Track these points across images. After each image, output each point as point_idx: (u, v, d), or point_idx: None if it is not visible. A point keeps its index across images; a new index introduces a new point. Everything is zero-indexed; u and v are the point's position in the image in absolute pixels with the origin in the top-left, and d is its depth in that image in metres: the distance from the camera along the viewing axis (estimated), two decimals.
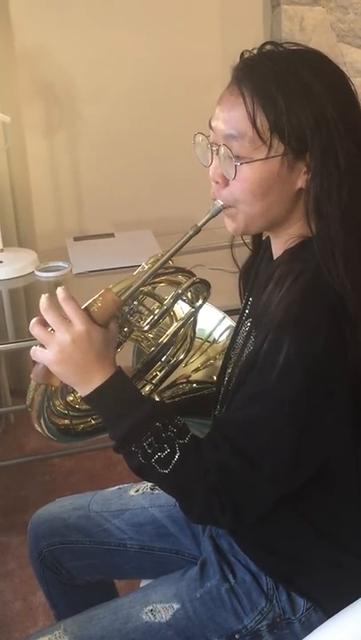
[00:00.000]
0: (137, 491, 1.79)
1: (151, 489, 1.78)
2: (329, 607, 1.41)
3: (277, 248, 1.42)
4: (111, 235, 3.10)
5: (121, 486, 1.84)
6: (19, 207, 3.18)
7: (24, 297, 2.71)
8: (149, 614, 1.49)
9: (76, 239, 3.06)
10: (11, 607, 2.53)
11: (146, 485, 1.80)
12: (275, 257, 1.44)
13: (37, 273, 2.71)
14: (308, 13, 3.10)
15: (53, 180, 3.31)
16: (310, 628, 1.39)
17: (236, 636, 1.47)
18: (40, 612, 2.48)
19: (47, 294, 1.34)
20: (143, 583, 1.75)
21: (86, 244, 3.03)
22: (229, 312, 1.69)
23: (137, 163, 3.32)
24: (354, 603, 1.31)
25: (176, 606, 1.49)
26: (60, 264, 2.74)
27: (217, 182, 1.35)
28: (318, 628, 1.34)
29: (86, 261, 2.78)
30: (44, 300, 1.33)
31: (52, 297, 1.34)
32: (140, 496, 1.77)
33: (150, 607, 1.50)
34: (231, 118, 1.30)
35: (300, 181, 1.31)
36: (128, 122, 3.26)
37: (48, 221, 3.32)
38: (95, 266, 2.74)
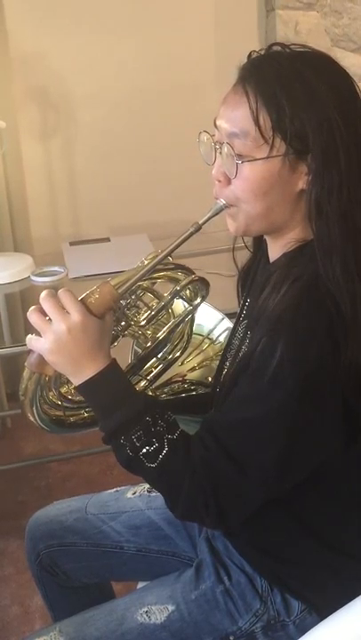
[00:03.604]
0: (134, 493, 1.80)
1: (148, 491, 1.78)
2: (324, 609, 1.41)
3: (275, 251, 1.42)
4: (107, 239, 3.10)
5: (118, 489, 1.84)
6: (14, 212, 3.19)
7: (20, 302, 2.71)
8: (144, 616, 1.49)
9: (71, 244, 3.06)
10: (8, 612, 2.52)
11: (143, 488, 1.80)
12: (272, 260, 1.44)
13: (33, 278, 2.71)
14: (303, 18, 3.11)
15: (49, 185, 3.32)
16: (305, 630, 1.39)
17: (231, 638, 1.47)
18: (37, 616, 2.48)
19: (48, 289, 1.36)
20: (140, 585, 1.75)
21: (82, 248, 3.03)
22: (226, 315, 1.69)
23: (132, 167, 3.33)
24: (348, 604, 1.31)
25: (171, 608, 1.49)
26: (56, 269, 2.74)
27: (219, 181, 1.36)
28: (312, 630, 1.34)
29: (82, 266, 2.79)
30: (44, 291, 1.34)
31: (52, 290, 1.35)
32: (136, 498, 1.78)
33: (145, 609, 1.50)
34: (235, 117, 1.31)
35: (302, 183, 1.31)
36: (123, 126, 3.26)
37: (44, 226, 3.32)
38: (91, 270, 2.74)
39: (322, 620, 1.38)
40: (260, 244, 1.55)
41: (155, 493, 1.75)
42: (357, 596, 1.33)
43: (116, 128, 3.27)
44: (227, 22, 3.28)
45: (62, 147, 3.28)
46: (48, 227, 3.35)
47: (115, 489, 1.84)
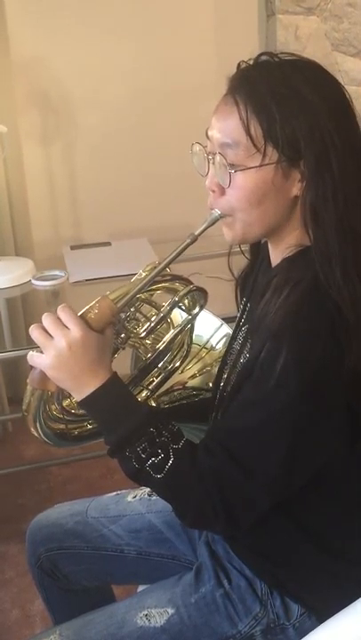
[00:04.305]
0: (134, 497, 1.80)
1: (148, 495, 1.79)
2: (323, 613, 1.41)
3: (276, 256, 1.43)
4: (107, 243, 3.11)
5: (119, 492, 1.84)
6: (15, 216, 3.19)
7: (21, 305, 2.72)
8: (144, 619, 1.49)
9: (72, 248, 3.07)
10: (8, 615, 2.53)
11: (143, 491, 1.80)
12: (273, 264, 1.44)
13: (34, 281, 2.72)
14: (303, 23, 3.11)
15: (50, 189, 3.32)
16: (304, 634, 1.39)
17: None
18: (38, 620, 2.49)
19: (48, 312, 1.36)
20: (140, 588, 1.75)
21: (83, 252, 3.04)
22: (226, 320, 1.69)
23: (133, 171, 3.33)
24: (346, 608, 1.32)
25: (171, 611, 1.50)
26: (57, 273, 2.75)
27: (213, 191, 1.36)
28: (311, 633, 1.34)
29: (83, 270, 2.80)
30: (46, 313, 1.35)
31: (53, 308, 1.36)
32: (137, 502, 1.78)
33: (145, 612, 1.50)
34: (226, 127, 1.32)
35: (296, 189, 1.32)
36: (124, 130, 3.27)
37: (45, 230, 3.32)
38: (92, 274, 2.75)
39: (321, 623, 1.38)
40: (257, 249, 1.56)
41: (155, 497, 1.75)
42: (356, 599, 1.33)
43: (116, 132, 3.27)
44: (227, 27, 3.29)
45: (63, 151, 3.28)
46: (49, 231, 3.35)
47: (115, 492, 1.85)
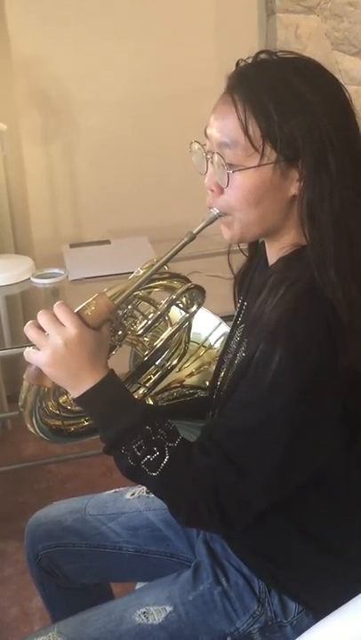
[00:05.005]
0: (133, 494, 1.80)
1: (147, 492, 1.79)
2: (321, 611, 1.40)
3: (272, 255, 1.43)
4: (107, 242, 3.12)
5: (117, 490, 1.84)
6: (15, 214, 3.19)
7: (20, 303, 2.72)
8: (142, 616, 1.49)
9: (72, 246, 3.08)
10: (7, 613, 2.53)
11: (142, 489, 1.81)
12: (270, 263, 1.44)
13: (34, 279, 2.72)
14: (304, 22, 3.11)
15: (50, 188, 3.33)
16: (302, 632, 1.38)
17: (228, 639, 1.48)
18: (37, 618, 2.49)
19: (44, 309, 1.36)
20: (138, 586, 1.76)
21: (82, 250, 3.04)
22: (224, 318, 1.69)
23: (133, 170, 3.34)
24: (344, 605, 1.31)
25: (169, 609, 1.50)
26: (57, 271, 2.75)
27: (212, 190, 1.36)
28: (308, 631, 1.34)
29: (82, 268, 2.80)
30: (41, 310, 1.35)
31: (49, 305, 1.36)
32: (135, 499, 1.78)
33: (143, 609, 1.50)
34: (224, 126, 1.31)
35: (293, 188, 1.32)
36: (124, 130, 3.27)
37: (44, 228, 3.33)
38: (91, 272, 2.75)
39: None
40: (255, 248, 1.56)
41: (153, 495, 1.75)
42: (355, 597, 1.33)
43: (116, 132, 3.27)
44: (227, 26, 3.29)
45: (63, 150, 3.29)
46: (49, 229, 3.36)
47: (113, 490, 1.85)
